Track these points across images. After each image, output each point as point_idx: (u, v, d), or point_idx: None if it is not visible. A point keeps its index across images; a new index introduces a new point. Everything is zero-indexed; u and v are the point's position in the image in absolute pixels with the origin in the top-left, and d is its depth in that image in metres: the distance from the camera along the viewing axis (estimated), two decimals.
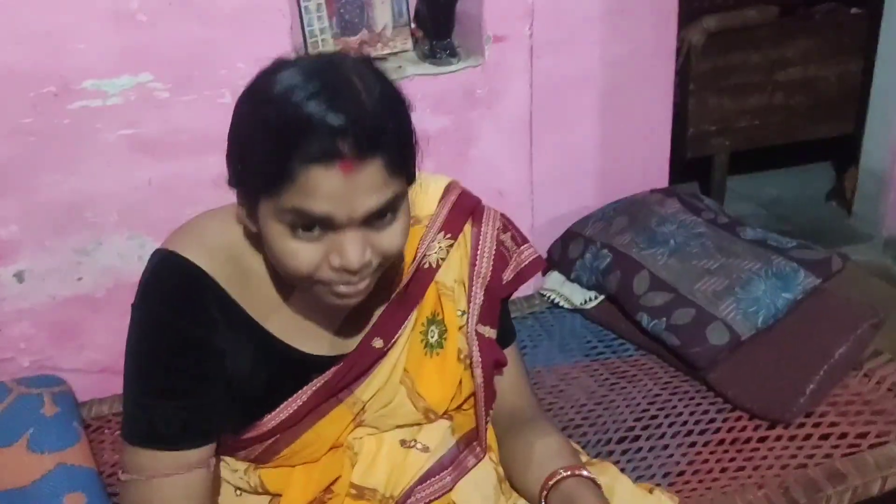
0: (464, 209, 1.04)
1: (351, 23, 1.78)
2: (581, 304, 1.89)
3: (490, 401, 1.05)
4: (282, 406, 0.95)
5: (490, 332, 1.03)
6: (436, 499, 1.02)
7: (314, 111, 0.76)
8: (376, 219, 0.83)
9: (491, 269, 1.02)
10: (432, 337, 1.02)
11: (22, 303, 1.59)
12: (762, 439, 1.47)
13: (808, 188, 3.19)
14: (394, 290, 1.00)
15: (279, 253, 0.83)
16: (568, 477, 0.99)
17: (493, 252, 1.03)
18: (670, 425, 1.53)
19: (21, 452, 1.40)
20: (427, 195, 1.03)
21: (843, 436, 1.44)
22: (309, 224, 0.81)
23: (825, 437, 1.45)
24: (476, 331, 1.02)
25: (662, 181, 2.19)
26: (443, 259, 1.02)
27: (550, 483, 0.99)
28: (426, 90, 1.74)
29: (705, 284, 1.67)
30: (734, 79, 2.89)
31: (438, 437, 1.05)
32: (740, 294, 1.62)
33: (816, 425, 1.47)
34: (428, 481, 1.02)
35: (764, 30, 2.88)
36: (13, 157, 1.49)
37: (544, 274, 2.04)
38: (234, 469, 1.02)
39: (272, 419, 0.95)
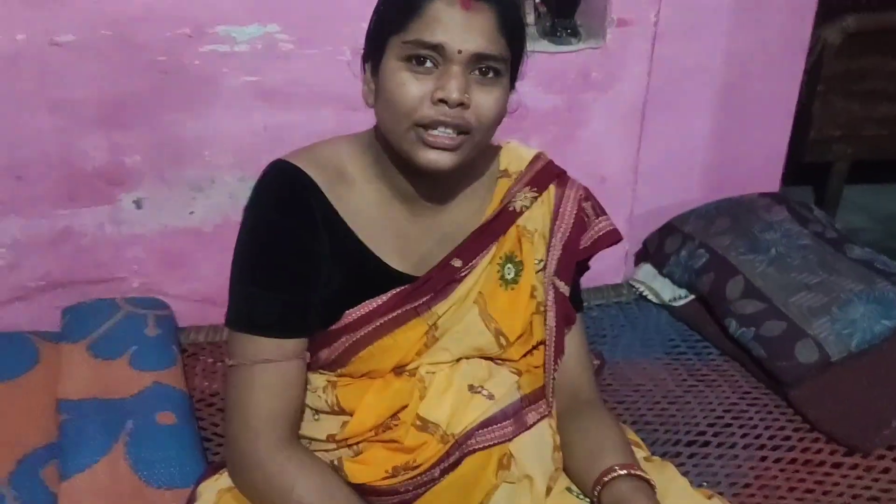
0: (550, 173, 1.13)
1: None
2: (669, 300, 1.87)
3: (559, 353, 1.10)
4: (363, 303, 1.03)
5: (564, 288, 1.10)
6: (494, 445, 1.06)
7: None
8: (480, 71, 0.93)
9: (571, 228, 1.10)
10: (508, 273, 1.09)
11: (138, 228, 1.70)
12: (837, 465, 1.44)
13: None
14: (476, 225, 1.08)
15: (392, 86, 0.94)
16: (623, 476, 1.01)
17: (575, 214, 1.10)
18: (743, 436, 1.52)
19: (123, 367, 1.51)
20: (519, 156, 1.14)
21: None
22: (424, 56, 0.92)
23: None
24: (552, 281, 1.09)
25: (773, 185, 2.12)
26: (526, 207, 1.10)
27: (605, 479, 1.01)
28: (542, 67, 1.73)
29: (801, 299, 1.62)
30: (867, 84, 2.74)
31: (504, 388, 1.09)
32: (837, 314, 1.57)
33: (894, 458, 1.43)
34: (489, 427, 1.06)
35: None
36: (145, 92, 1.57)
37: (636, 265, 2.03)
38: (313, 389, 1.08)
39: (353, 313, 1.03)
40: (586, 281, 1.93)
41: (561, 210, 1.10)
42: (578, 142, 1.84)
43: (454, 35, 0.91)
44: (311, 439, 1.09)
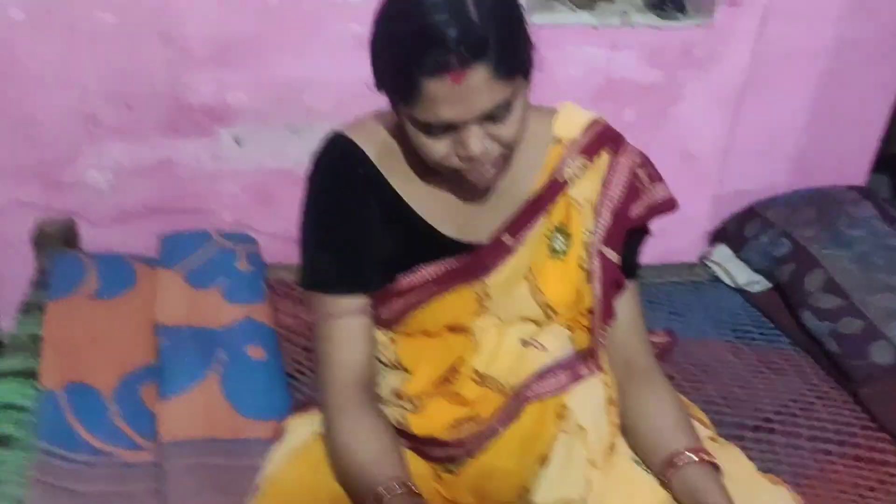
0: (605, 138, 1.11)
1: None
2: (744, 284, 1.88)
3: (607, 317, 1.11)
4: (418, 273, 1.08)
5: (613, 256, 1.09)
6: (549, 395, 1.09)
7: (425, 28, 0.86)
8: (493, 114, 0.92)
9: (622, 196, 1.09)
10: (557, 244, 1.10)
11: (235, 164, 1.76)
12: None
13: None
14: (526, 194, 1.10)
15: (416, 146, 0.97)
16: (693, 463, 1.04)
17: (626, 181, 1.09)
18: (809, 427, 1.54)
19: (216, 297, 1.58)
20: (573, 122, 1.12)
21: None
22: (436, 129, 0.93)
23: None
24: (599, 249, 1.09)
25: (860, 177, 2.09)
26: (577, 176, 1.10)
27: (678, 464, 1.04)
28: (645, 40, 1.72)
29: (882, 299, 1.62)
30: None
31: (556, 341, 1.12)
32: None
33: None
34: (544, 377, 1.10)
35: None
36: (255, 32, 1.61)
37: (711, 245, 2.03)
38: (378, 344, 1.14)
39: (408, 280, 1.09)
40: (660, 256, 1.97)
41: (611, 178, 1.09)
42: (672, 117, 1.83)
43: (457, 109, 0.90)
44: (377, 395, 1.13)
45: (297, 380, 1.55)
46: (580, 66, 1.72)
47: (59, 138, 1.67)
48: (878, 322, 1.59)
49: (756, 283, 1.87)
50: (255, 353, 1.49)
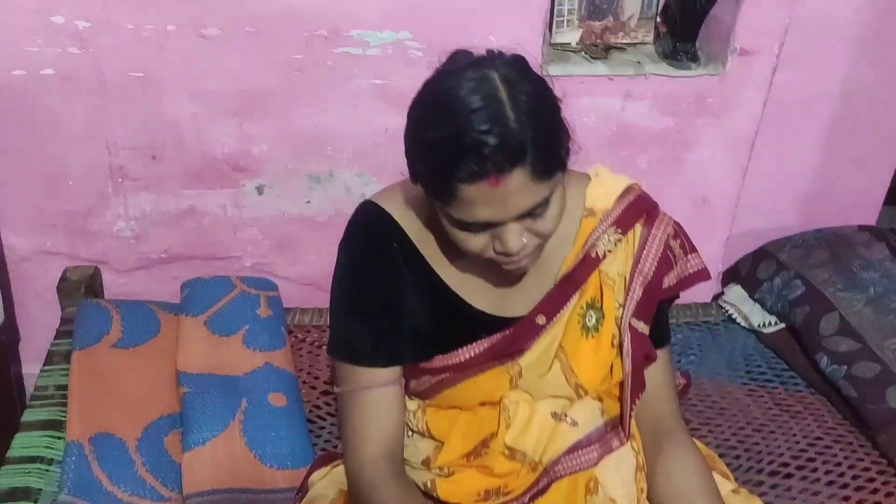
0: (639, 210, 1.11)
1: (599, 8, 1.80)
2: (758, 325, 1.89)
3: (637, 390, 1.11)
4: (451, 353, 1.08)
5: (643, 328, 1.10)
6: (580, 470, 1.10)
7: (463, 136, 0.85)
8: (532, 212, 0.92)
9: (654, 269, 1.09)
10: (590, 321, 1.10)
11: (257, 212, 1.79)
12: None
13: None
14: (560, 271, 1.10)
15: (452, 238, 0.97)
16: None
17: (659, 254, 1.09)
18: (826, 472, 1.55)
19: (237, 344, 1.61)
20: (607, 191, 1.11)
21: None
22: (472, 227, 0.93)
23: None
24: (630, 323, 1.09)
25: (871, 217, 2.11)
26: (610, 251, 1.09)
27: None
28: (659, 89, 1.76)
29: None
30: None
31: (588, 414, 1.13)
32: None
33: None
34: (575, 452, 1.11)
35: None
36: (278, 86, 1.65)
37: (724, 285, 2.05)
38: (407, 411, 1.16)
39: (442, 360, 1.09)
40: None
41: (646, 251, 1.09)
42: (685, 164, 1.86)
43: (495, 210, 0.89)
44: (406, 462, 1.14)
45: (317, 424, 1.58)
46: (594, 114, 1.76)
47: (86, 190, 1.72)
48: (894, 366, 1.60)
49: (770, 324, 1.88)
50: (277, 400, 1.51)
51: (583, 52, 1.79)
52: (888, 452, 1.56)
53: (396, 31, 1.62)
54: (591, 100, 1.74)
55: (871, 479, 1.53)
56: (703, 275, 1.13)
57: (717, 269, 2.03)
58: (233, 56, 1.61)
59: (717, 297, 2.04)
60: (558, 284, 1.09)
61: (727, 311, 1.97)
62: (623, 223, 1.10)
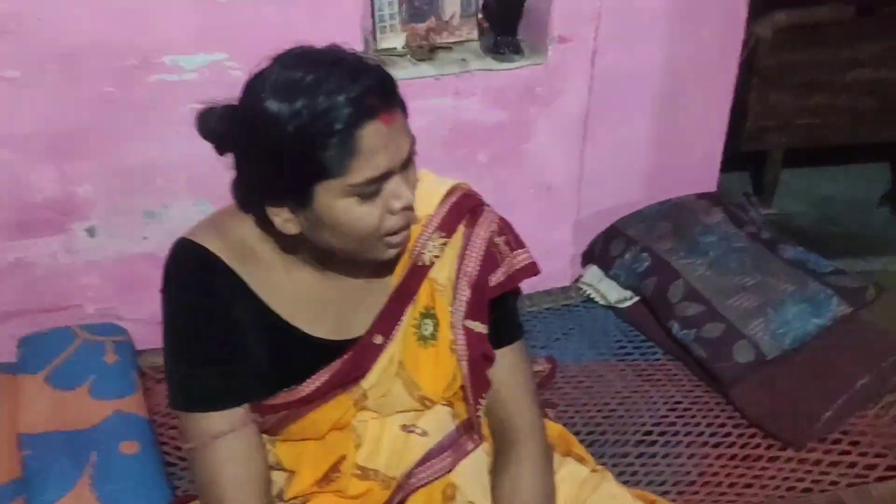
0: (461, 210, 1.10)
1: (420, 10, 1.82)
2: (615, 302, 1.95)
3: (479, 391, 1.10)
4: (293, 389, 1.06)
5: (479, 328, 1.09)
6: (435, 479, 1.10)
7: (346, 88, 0.86)
8: (406, 166, 0.95)
9: (479, 269, 1.08)
10: (426, 330, 1.09)
11: (92, 255, 1.71)
12: (773, 459, 1.54)
13: (862, 190, 3.15)
14: (390, 285, 1.08)
15: (349, 224, 0.93)
16: None
17: (483, 253, 1.08)
18: (686, 434, 1.60)
19: (83, 397, 1.53)
20: (430, 196, 1.10)
21: (852, 465, 1.50)
22: (374, 189, 0.92)
23: (834, 464, 1.51)
24: (464, 325, 1.08)
25: (711, 184, 2.21)
26: (437, 257, 1.08)
27: None
28: (487, 84, 1.78)
29: (738, 301, 1.71)
30: (798, 76, 2.84)
31: (437, 422, 1.13)
32: (771, 315, 1.66)
33: (827, 452, 1.53)
34: (428, 462, 1.11)
35: (836, 28, 2.82)
36: (95, 123, 1.58)
37: (583, 267, 2.10)
38: None
39: (284, 397, 1.06)
40: (534, 285, 2.02)
41: (468, 252, 1.08)
42: (524, 154, 1.89)
43: (391, 154, 0.91)
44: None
45: (178, 466, 1.52)
46: (427, 116, 1.76)
47: None
48: (737, 323, 1.68)
49: (626, 299, 1.94)
50: (129, 448, 1.44)
51: (409, 56, 1.79)
52: (740, 406, 1.63)
53: (211, 53, 1.58)
54: (421, 102, 1.75)
55: (728, 434, 1.60)
56: (530, 269, 1.12)
57: (569, 252, 2.07)
58: (39, 97, 1.53)
59: (575, 280, 2.09)
60: (391, 299, 1.08)
61: (586, 292, 2.02)
62: (447, 226, 1.09)
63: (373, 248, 0.98)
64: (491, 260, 1.09)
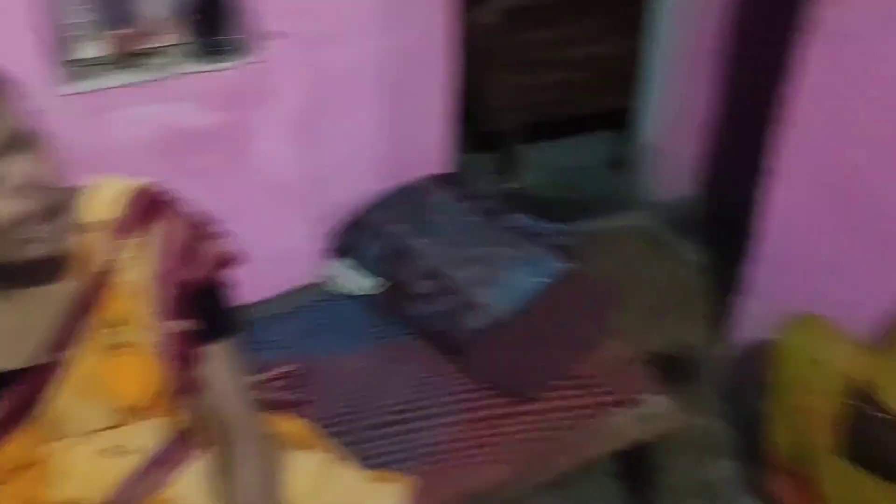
0: (152, 208, 1.06)
1: (119, 16, 1.73)
2: (363, 291, 1.99)
3: (187, 392, 1.08)
4: None
5: (181, 326, 1.06)
6: (148, 496, 1.07)
7: None
8: (11, 145, 0.87)
9: (175, 264, 1.05)
10: (120, 337, 1.04)
11: None
12: (512, 415, 1.65)
13: (594, 157, 3.43)
14: (67, 297, 1.02)
15: None
16: None
17: (173, 250, 1.05)
18: (435, 405, 1.68)
19: None
20: (103, 201, 1.05)
21: (585, 407, 1.64)
22: None
23: (569, 408, 1.65)
24: (164, 325, 1.05)
25: (446, 165, 2.31)
26: (131, 258, 1.04)
27: None
28: (198, 87, 1.74)
29: (468, 272, 1.81)
30: (531, 55, 3.02)
31: (141, 438, 1.09)
32: (496, 279, 1.78)
33: (563, 398, 1.66)
34: (136, 481, 1.07)
35: (552, 8, 3.02)
36: None
37: (333, 260, 2.12)
38: None
39: None
40: (284, 285, 2.02)
41: (162, 249, 1.05)
42: (250, 156, 1.87)
43: None
44: None
45: None
46: (136, 125, 1.69)
47: None
48: (468, 294, 1.77)
49: (375, 286, 1.98)
50: None
51: (111, 64, 1.71)
52: (478, 370, 1.73)
53: None
54: (129, 110, 1.68)
55: (471, 400, 1.69)
56: (232, 260, 1.10)
57: (313, 249, 2.08)
58: None
59: (325, 274, 2.11)
60: (68, 313, 1.01)
61: (334, 286, 2.04)
62: (137, 226, 1.05)
63: (7, 248, 0.90)
64: (189, 255, 1.06)
